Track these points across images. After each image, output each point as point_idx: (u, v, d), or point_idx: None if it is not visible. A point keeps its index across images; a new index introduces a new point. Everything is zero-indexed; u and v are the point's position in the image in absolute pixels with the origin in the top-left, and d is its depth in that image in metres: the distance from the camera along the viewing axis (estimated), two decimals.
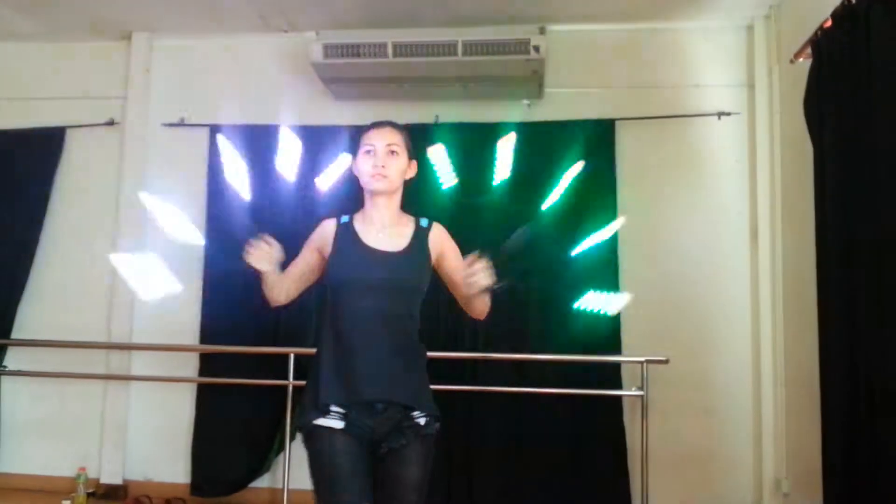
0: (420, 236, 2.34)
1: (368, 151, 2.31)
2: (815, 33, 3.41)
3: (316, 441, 2.17)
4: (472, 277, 2.09)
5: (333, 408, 2.17)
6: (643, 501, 4.20)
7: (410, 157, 2.38)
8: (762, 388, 4.36)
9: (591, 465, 4.42)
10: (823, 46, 3.34)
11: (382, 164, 2.28)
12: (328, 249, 2.36)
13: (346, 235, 2.34)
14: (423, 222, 2.38)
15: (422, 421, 2.23)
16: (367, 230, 2.34)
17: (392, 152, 2.31)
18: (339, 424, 2.16)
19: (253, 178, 4.78)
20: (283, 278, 2.40)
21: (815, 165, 3.37)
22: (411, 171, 2.40)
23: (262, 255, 2.29)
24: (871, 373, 2.79)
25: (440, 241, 2.36)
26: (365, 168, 2.31)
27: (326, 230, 2.40)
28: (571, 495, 4.44)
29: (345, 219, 2.38)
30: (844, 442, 3.00)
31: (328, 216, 2.46)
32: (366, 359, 2.19)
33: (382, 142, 2.31)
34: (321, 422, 2.16)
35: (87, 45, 5.25)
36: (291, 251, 4.64)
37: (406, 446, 2.19)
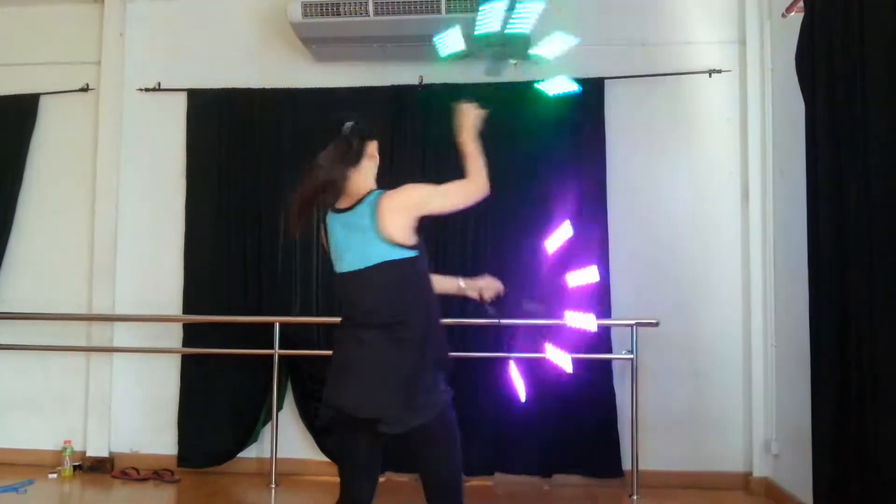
0: None
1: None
2: None
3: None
4: None
5: None
6: (633, 464, 4.18)
7: None
8: (752, 350, 4.33)
9: (580, 429, 4.40)
10: None
11: None
12: None
13: None
14: None
15: None
16: None
17: None
18: None
19: (232, 142, 4.78)
20: None
21: (806, 122, 3.30)
22: None
23: None
24: (862, 333, 2.75)
25: None
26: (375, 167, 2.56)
27: None
28: (562, 459, 4.43)
29: None
30: (834, 402, 2.97)
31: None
32: None
33: None
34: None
35: (59, 9, 5.08)
36: (271, 214, 4.61)
37: None
